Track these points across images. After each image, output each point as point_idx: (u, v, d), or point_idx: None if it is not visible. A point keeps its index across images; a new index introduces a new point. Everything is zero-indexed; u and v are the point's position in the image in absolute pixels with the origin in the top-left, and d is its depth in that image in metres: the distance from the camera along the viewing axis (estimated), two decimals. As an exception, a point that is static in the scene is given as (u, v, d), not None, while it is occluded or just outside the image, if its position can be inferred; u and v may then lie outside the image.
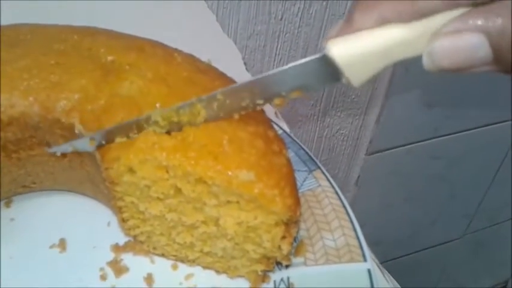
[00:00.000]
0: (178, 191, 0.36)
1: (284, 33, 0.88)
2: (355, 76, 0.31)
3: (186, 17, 0.68)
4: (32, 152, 0.39)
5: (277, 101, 0.34)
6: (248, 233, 0.37)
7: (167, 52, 0.42)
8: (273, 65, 0.92)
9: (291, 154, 0.46)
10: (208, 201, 0.35)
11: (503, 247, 1.46)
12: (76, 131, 0.36)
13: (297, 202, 0.36)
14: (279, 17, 0.86)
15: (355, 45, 0.30)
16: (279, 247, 0.37)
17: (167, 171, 0.35)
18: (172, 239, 0.39)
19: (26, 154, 0.39)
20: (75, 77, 0.37)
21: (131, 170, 0.35)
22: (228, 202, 0.35)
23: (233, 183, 0.34)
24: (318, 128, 1.07)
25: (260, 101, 0.35)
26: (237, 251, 0.38)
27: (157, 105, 0.36)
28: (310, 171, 0.47)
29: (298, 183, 0.46)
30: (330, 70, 0.31)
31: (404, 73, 1.01)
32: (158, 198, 0.37)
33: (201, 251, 0.39)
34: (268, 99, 0.35)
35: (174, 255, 0.40)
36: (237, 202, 0.35)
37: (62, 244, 0.41)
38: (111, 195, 0.38)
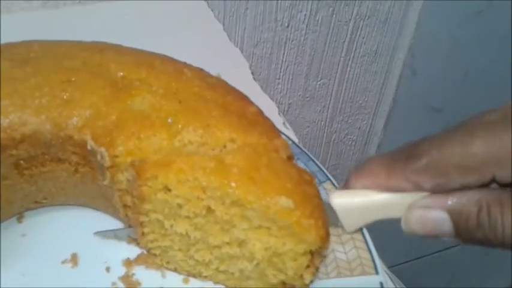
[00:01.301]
0: (210, 211, 0.36)
1: (290, 41, 0.89)
2: (348, 224, 0.38)
3: (193, 26, 0.68)
4: (44, 168, 0.39)
5: None
6: (273, 258, 0.36)
7: (177, 67, 0.42)
8: (280, 71, 0.92)
9: (300, 165, 0.46)
10: (239, 224, 0.35)
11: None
12: (88, 147, 0.36)
13: (328, 234, 0.36)
14: (286, 25, 0.86)
15: (351, 200, 0.36)
16: (301, 276, 0.37)
17: (204, 192, 0.35)
18: (189, 255, 0.39)
19: (38, 171, 0.39)
20: (86, 94, 0.37)
21: (166, 188, 0.35)
22: (259, 227, 0.35)
23: (271, 209, 0.34)
24: (325, 134, 1.07)
25: None
26: (255, 273, 0.38)
27: (169, 120, 0.36)
28: (320, 182, 0.47)
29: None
30: (331, 214, 0.36)
31: (412, 78, 1.01)
32: (187, 216, 0.36)
33: (217, 269, 0.39)
34: None
35: (187, 271, 0.40)
36: (268, 228, 0.35)
37: (74, 259, 0.41)
38: (135, 209, 0.38)
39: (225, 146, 0.36)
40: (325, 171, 0.48)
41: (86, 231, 0.43)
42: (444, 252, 1.36)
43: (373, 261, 0.41)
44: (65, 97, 0.37)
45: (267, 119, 0.40)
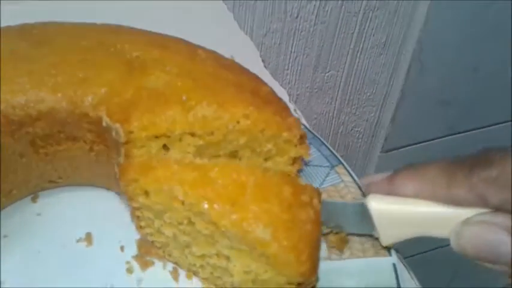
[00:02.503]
0: (192, 223, 0.34)
1: (299, 31, 0.89)
2: (385, 235, 0.35)
3: (204, 16, 0.69)
4: (60, 147, 0.39)
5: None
6: (256, 284, 0.34)
7: (191, 49, 0.42)
8: (288, 62, 0.92)
9: (312, 150, 0.47)
10: (221, 241, 0.34)
11: None
12: (104, 124, 0.36)
13: (314, 267, 0.33)
14: (295, 15, 0.86)
15: (392, 208, 0.33)
16: None
17: (182, 204, 0.34)
18: (185, 255, 0.38)
19: (54, 149, 0.40)
20: (101, 72, 0.38)
21: (147, 193, 0.35)
22: (240, 249, 0.33)
23: (247, 237, 0.31)
24: (333, 126, 1.07)
25: None
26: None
27: (184, 97, 0.36)
28: (332, 166, 0.47)
29: (320, 179, 0.46)
30: (365, 220, 0.34)
31: (420, 70, 1.01)
32: (171, 223, 0.36)
33: (212, 274, 0.38)
34: None
35: (187, 268, 0.40)
36: (250, 252, 0.33)
37: (89, 238, 0.41)
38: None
39: (238, 122, 0.36)
40: (337, 155, 0.48)
41: (100, 211, 0.43)
42: (448, 247, 1.35)
43: (386, 242, 0.41)
44: (80, 75, 0.38)
45: (279, 99, 0.40)
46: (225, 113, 0.36)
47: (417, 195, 0.32)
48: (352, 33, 0.93)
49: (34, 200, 0.43)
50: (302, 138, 0.38)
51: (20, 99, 0.36)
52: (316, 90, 0.99)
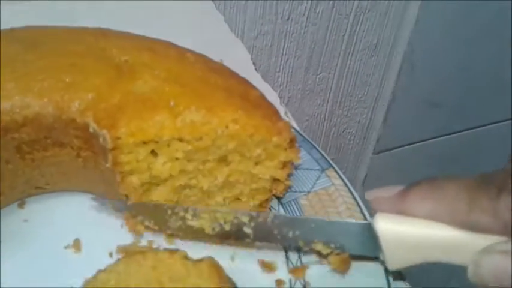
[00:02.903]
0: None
1: (291, 33, 0.88)
2: (392, 258, 0.32)
3: (194, 17, 0.68)
4: (46, 153, 0.39)
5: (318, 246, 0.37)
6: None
7: (179, 52, 0.42)
8: (280, 64, 0.92)
9: (302, 153, 0.46)
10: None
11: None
12: (90, 130, 0.36)
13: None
14: (286, 17, 0.86)
15: (402, 230, 0.30)
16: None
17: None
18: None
19: (40, 155, 0.39)
20: (88, 77, 0.37)
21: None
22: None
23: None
24: (324, 128, 1.07)
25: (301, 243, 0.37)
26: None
27: (172, 103, 0.36)
28: (323, 170, 0.47)
29: (311, 183, 0.46)
30: (371, 241, 0.31)
31: (411, 72, 1.01)
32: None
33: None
34: (307, 244, 0.37)
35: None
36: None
37: (77, 245, 0.41)
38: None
39: (227, 127, 0.36)
40: (327, 158, 0.48)
41: (88, 217, 0.43)
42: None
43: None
44: (67, 80, 0.37)
45: (269, 103, 0.40)
46: (213, 118, 0.36)
47: (433, 218, 0.29)
48: (343, 35, 0.93)
49: (21, 206, 0.43)
50: (292, 141, 0.38)
51: (5, 105, 0.36)
52: (307, 92, 0.99)
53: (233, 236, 0.39)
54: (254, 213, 0.37)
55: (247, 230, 0.38)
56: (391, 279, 0.39)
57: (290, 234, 0.37)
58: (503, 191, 0.25)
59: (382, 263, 0.39)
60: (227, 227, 0.38)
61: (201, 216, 0.38)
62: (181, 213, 0.39)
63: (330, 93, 1.02)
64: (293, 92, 0.97)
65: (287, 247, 0.42)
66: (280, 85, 0.95)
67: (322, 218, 0.38)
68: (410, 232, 0.30)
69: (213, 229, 0.38)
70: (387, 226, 0.30)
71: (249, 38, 0.86)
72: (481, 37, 0.98)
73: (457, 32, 0.97)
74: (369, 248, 0.33)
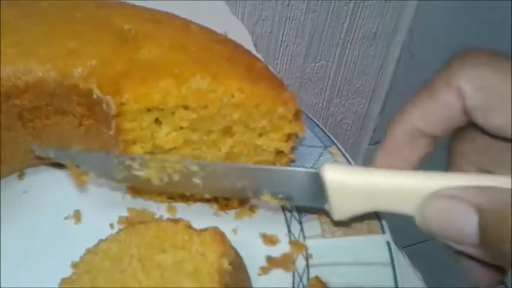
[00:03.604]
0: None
1: (290, 20, 0.88)
2: (338, 208, 0.32)
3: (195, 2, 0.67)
4: (48, 121, 0.38)
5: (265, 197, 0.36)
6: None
7: (183, 23, 0.41)
8: (279, 51, 0.92)
9: (306, 131, 0.46)
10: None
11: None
12: (94, 96, 0.35)
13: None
14: (286, 3, 0.86)
15: (349, 178, 0.30)
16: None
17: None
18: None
19: (42, 123, 0.38)
20: (92, 44, 0.37)
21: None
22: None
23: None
24: (322, 117, 1.06)
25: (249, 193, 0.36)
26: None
27: (177, 70, 0.35)
28: (326, 147, 0.47)
29: (314, 159, 0.46)
30: (318, 191, 0.32)
31: (409, 62, 1.01)
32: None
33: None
34: (255, 194, 0.36)
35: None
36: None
37: (77, 216, 0.40)
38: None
39: (233, 96, 0.36)
40: (330, 136, 0.48)
41: (88, 189, 0.42)
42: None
43: (380, 220, 0.41)
44: (70, 46, 0.37)
45: (274, 74, 0.40)
46: (219, 86, 0.35)
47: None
48: (343, 22, 0.93)
49: (20, 177, 0.42)
50: (297, 114, 0.38)
51: (8, 70, 0.35)
52: (306, 80, 0.99)
53: (181, 187, 0.37)
54: (203, 162, 0.36)
55: (197, 180, 0.36)
56: (393, 251, 0.39)
57: (239, 184, 0.36)
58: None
59: (385, 236, 0.40)
60: (176, 177, 0.36)
61: (148, 166, 0.36)
62: (128, 162, 0.36)
63: (328, 82, 1.01)
64: (291, 81, 0.97)
65: (288, 220, 0.42)
66: (279, 72, 0.94)
67: (270, 167, 0.37)
68: (357, 181, 0.31)
69: (161, 179, 0.36)
70: (335, 175, 0.31)
71: (249, 23, 0.85)
72: (481, 26, 0.98)
73: (458, 21, 0.97)
74: (315, 198, 0.33)
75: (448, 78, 0.29)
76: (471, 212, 0.26)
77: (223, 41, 0.40)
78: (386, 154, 0.32)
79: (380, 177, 0.30)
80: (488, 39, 1.01)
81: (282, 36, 0.90)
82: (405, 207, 0.30)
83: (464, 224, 0.26)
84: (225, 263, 0.32)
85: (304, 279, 0.38)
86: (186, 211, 0.42)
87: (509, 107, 0.27)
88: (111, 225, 0.40)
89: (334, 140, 0.48)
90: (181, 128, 0.37)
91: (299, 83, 0.99)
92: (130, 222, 0.39)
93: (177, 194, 0.42)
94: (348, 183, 0.31)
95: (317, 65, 0.97)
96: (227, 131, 0.38)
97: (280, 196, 0.36)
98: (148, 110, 0.35)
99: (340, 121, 1.10)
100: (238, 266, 0.35)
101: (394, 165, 0.31)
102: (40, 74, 0.36)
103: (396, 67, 1.02)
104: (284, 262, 0.40)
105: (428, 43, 0.98)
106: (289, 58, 0.94)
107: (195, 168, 0.36)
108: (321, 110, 1.06)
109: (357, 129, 1.13)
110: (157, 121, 0.37)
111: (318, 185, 0.32)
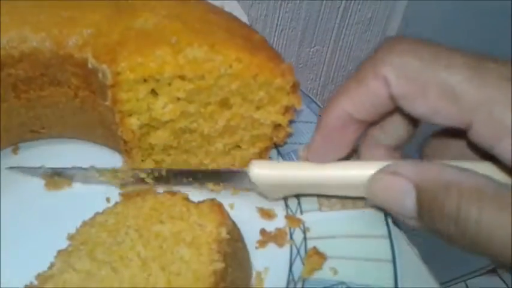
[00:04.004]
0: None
1: (286, 3, 0.88)
2: (270, 194, 0.39)
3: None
4: (43, 92, 0.38)
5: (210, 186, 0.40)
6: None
7: (180, -6, 0.41)
8: (274, 36, 0.91)
9: (303, 107, 0.46)
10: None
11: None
12: (89, 66, 0.35)
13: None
14: (281, -13, 0.85)
15: (274, 173, 0.36)
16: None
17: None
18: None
19: (36, 95, 0.38)
20: (87, 13, 0.36)
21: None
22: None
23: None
24: (317, 103, 1.06)
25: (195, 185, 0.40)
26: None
27: (173, 39, 0.35)
28: (322, 123, 0.46)
29: (310, 135, 0.46)
30: (247, 182, 0.37)
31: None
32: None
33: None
34: (200, 186, 0.40)
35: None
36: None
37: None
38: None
39: (230, 66, 0.35)
40: (326, 112, 0.48)
41: (82, 163, 0.42)
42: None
43: (377, 195, 0.40)
44: (65, 15, 0.36)
45: (271, 47, 0.39)
46: (217, 55, 0.35)
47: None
48: (339, 7, 0.92)
49: (15, 151, 0.42)
50: (294, 86, 0.38)
51: (2, 39, 0.35)
52: (301, 66, 0.99)
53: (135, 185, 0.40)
54: (149, 169, 0.39)
55: (148, 180, 0.40)
56: (391, 225, 0.39)
57: (184, 180, 0.40)
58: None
59: (382, 209, 0.39)
60: (130, 181, 0.40)
61: (104, 175, 0.40)
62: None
63: (323, 67, 1.01)
64: (287, 65, 0.97)
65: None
66: (274, 57, 0.94)
67: (206, 169, 0.42)
68: (283, 175, 0.36)
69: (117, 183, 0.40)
70: (260, 172, 0.36)
71: (244, 6, 0.84)
72: (478, 13, 0.98)
73: (453, 7, 0.96)
74: (245, 184, 0.37)
75: (375, 67, 0.30)
76: (410, 188, 0.29)
77: (220, 12, 0.40)
78: (321, 138, 0.34)
79: (299, 171, 0.35)
80: (484, 25, 1.01)
81: (277, 20, 0.90)
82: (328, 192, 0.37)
83: (404, 199, 0.29)
84: (223, 232, 0.32)
85: (302, 252, 0.38)
86: (182, 188, 0.42)
87: (432, 95, 0.28)
88: (107, 199, 0.39)
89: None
90: (178, 99, 0.37)
91: (294, 69, 0.98)
92: (127, 196, 0.39)
93: None
94: (274, 178, 0.36)
95: (312, 49, 0.97)
96: (224, 103, 0.38)
97: (221, 185, 0.41)
98: (145, 80, 0.35)
99: (335, 107, 1.09)
100: (236, 236, 0.35)
101: (329, 149, 0.34)
102: (35, 43, 0.35)
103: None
104: (278, 237, 0.39)
105: (423, 29, 0.98)
106: (285, 43, 0.93)
107: (144, 175, 0.39)
108: (315, 96, 1.05)
109: (351, 116, 1.13)
110: (153, 93, 0.36)
111: (246, 178, 0.37)
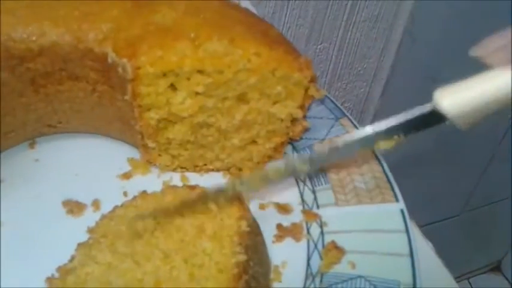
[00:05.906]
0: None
1: (293, 1, 0.88)
2: (463, 122, 0.33)
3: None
4: (61, 86, 0.38)
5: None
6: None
7: (197, -10, 0.41)
8: (282, 32, 0.91)
9: (316, 103, 0.46)
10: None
11: (498, 226, 1.47)
12: (109, 60, 0.35)
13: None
14: (289, -17, 0.85)
15: (465, 97, 0.32)
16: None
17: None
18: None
19: (55, 89, 0.38)
20: (106, 8, 0.36)
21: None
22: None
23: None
24: (323, 100, 1.06)
25: None
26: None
27: (193, 34, 0.35)
28: (337, 118, 0.47)
29: (325, 131, 0.46)
30: (435, 119, 0.33)
31: (411, 45, 1.01)
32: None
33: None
34: None
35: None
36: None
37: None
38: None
39: (249, 60, 0.35)
40: (341, 108, 0.48)
41: (100, 159, 0.42)
42: (431, 225, 1.37)
43: (393, 190, 0.41)
44: (84, 10, 0.36)
45: (289, 41, 0.39)
46: (236, 49, 0.35)
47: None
48: (346, 4, 0.92)
49: (32, 146, 0.42)
50: (312, 80, 0.38)
51: (22, 32, 0.35)
52: (307, 63, 0.98)
53: None
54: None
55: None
56: (407, 220, 0.39)
57: None
58: None
59: (398, 204, 0.40)
60: None
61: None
62: None
63: (330, 65, 1.01)
64: (293, 63, 0.97)
65: (301, 189, 0.42)
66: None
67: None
68: (475, 94, 0.32)
69: None
70: (451, 101, 0.33)
71: (252, 3, 0.84)
72: (484, 10, 0.98)
73: (459, 4, 0.96)
74: (433, 123, 0.34)
75: None
76: None
77: (237, 7, 0.40)
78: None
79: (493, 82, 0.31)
80: (489, 22, 1.01)
81: (285, 17, 0.90)
82: None
83: None
84: (244, 225, 0.32)
85: (320, 246, 0.38)
86: (198, 180, 0.42)
87: None
88: (125, 193, 0.40)
89: (345, 112, 0.48)
90: (197, 94, 0.37)
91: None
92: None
93: (190, 163, 0.42)
94: (467, 102, 0.32)
95: (319, 47, 0.97)
96: (242, 98, 0.38)
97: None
98: (164, 74, 0.35)
99: (341, 104, 1.09)
100: (255, 230, 0.35)
101: None
102: (54, 37, 0.35)
103: (398, 50, 1.02)
104: (294, 231, 0.39)
105: (430, 26, 0.98)
106: (292, 40, 0.93)
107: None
108: (322, 94, 1.05)
109: (357, 113, 1.13)
110: (172, 87, 0.37)
111: (436, 115, 0.33)
